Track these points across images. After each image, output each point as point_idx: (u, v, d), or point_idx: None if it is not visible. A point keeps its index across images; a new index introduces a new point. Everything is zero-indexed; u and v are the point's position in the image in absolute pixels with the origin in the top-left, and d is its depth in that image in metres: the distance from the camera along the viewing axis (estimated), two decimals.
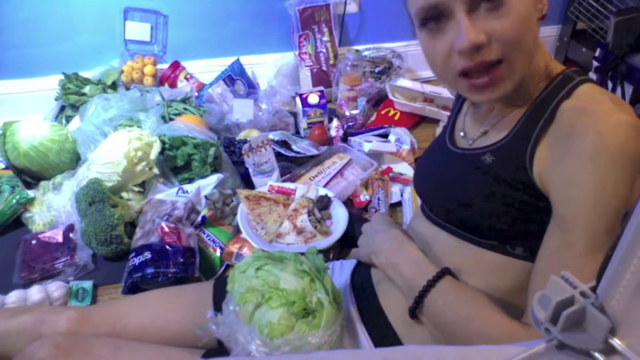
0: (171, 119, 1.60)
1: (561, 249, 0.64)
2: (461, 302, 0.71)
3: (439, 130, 1.78)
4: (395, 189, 1.47)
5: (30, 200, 1.36)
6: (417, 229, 0.87)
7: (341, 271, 1.00)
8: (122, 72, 1.81)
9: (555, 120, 0.67)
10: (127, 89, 1.75)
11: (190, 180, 1.40)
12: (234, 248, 1.24)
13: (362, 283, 0.91)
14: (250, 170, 1.42)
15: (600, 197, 0.61)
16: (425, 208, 0.86)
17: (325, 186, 1.45)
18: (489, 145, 0.75)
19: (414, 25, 0.72)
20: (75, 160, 1.48)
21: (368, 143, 1.56)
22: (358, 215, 1.35)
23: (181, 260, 1.15)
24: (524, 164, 0.69)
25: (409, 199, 1.43)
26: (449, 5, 0.64)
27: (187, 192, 1.33)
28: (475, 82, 0.67)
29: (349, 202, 1.41)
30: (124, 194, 1.36)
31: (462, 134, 0.85)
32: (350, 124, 1.77)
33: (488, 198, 0.72)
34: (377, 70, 1.98)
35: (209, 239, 1.28)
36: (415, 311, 0.74)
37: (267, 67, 1.98)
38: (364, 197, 1.41)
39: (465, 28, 0.63)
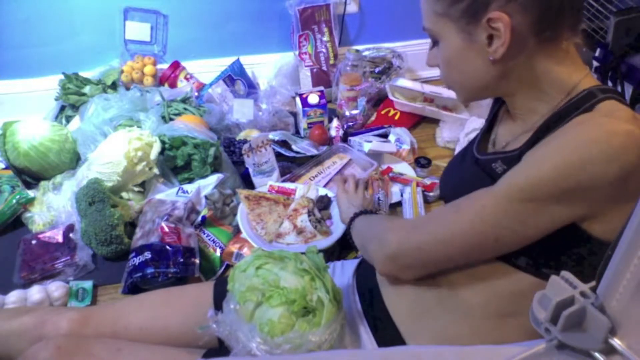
0: (171, 119, 1.59)
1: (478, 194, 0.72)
2: (373, 220, 0.92)
3: (439, 130, 1.78)
4: (396, 189, 1.47)
5: (30, 200, 1.36)
6: None
7: (342, 271, 1.00)
8: (122, 72, 1.80)
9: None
10: (127, 89, 1.74)
11: (190, 180, 1.40)
12: (234, 248, 1.24)
13: (366, 284, 0.92)
14: (250, 170, 1.42)
15: (548, 171, 0.63)
16: None
17: (325, 186, 1.45)
18: (503, 153, 0.75)
19: None
20: (75, 160, 1.48)
21: (368, 143, 1.56)
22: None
23: (181, 260, 1.15)
24: None
25: (409, 198, 1.43)
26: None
27: (187, 192, 1.33)
28: None
29: None
30: (124, 194, 1.36)
31: (492, 141, 0.86)
32: (350, 124, 1.77)
33: None
34: (377, 70, 1.97)
35: (209, 239, 1.28)
36: (349, 227, 1.00)
37: (267, 67, 1.97)
38: None
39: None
